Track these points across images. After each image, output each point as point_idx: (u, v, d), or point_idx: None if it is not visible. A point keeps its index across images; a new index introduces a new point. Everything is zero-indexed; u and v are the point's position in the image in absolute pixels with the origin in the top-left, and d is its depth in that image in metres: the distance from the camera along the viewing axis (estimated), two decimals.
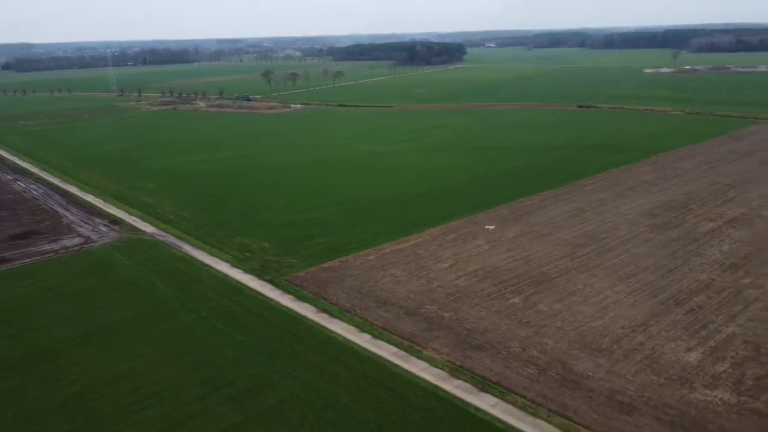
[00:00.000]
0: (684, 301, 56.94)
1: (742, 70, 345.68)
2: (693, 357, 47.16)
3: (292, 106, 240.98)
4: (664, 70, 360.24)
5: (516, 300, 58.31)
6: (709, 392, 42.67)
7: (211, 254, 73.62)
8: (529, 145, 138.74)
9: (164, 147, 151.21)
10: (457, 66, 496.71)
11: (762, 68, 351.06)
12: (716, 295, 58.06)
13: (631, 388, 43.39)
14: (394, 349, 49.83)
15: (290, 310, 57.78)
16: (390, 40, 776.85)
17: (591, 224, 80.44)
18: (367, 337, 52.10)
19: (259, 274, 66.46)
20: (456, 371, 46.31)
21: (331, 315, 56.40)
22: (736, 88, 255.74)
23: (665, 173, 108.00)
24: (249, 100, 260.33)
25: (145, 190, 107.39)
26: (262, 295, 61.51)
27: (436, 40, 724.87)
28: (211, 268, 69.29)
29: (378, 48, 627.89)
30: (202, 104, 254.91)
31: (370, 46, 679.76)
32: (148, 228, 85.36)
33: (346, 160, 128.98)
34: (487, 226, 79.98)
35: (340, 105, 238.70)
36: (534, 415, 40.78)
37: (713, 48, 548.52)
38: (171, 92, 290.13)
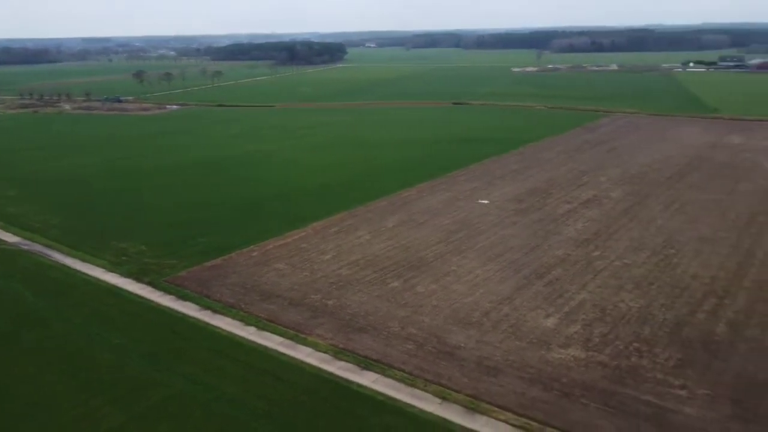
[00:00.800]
0: (544, 274, 63.10)
1: (596, 68, 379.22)
2: (550, 322, 52.73)
3: (168, 106, 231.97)
4: (530, 69, 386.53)
5: (396, 284, 61.60)
6: (563, 351, 48.09)
7: (85, 261, 70.39)
8: (408, 140, 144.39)
9: (26, 152, 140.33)
10: (338, 65, 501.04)
11: (613, 67, 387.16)
12: (571, 267, 64.85)
13: (498, 354, 47.86)
14: (280, 338, 51.09)
15: (171, 309, 57.08)
16: (270, 40, 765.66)
17: (464, 212, 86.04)
18: (253, 329, 52.89)
19: (138, 277, 64.72)
20: (339, 353, 48.47)
21: (215, 311, 56.47)
22: (591, 84, 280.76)
23: (530, 163, 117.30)
24: (120, 101, 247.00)
25: (6, 198, 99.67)
26: (141, 297, 60.11)
27: (317, 40, 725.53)
28: (85, 274, 66.38)
29: (258, 48, 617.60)
30: (68, 106, 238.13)
31: (250, 45, 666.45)
32: (10, 238, 79.68)
33: (230, 159, 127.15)
34: (480, 201, 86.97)
35: (219, 105, 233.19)
36: (412, 386, 43.89)
37: (572, 48, 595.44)
38: (31, 94, 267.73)
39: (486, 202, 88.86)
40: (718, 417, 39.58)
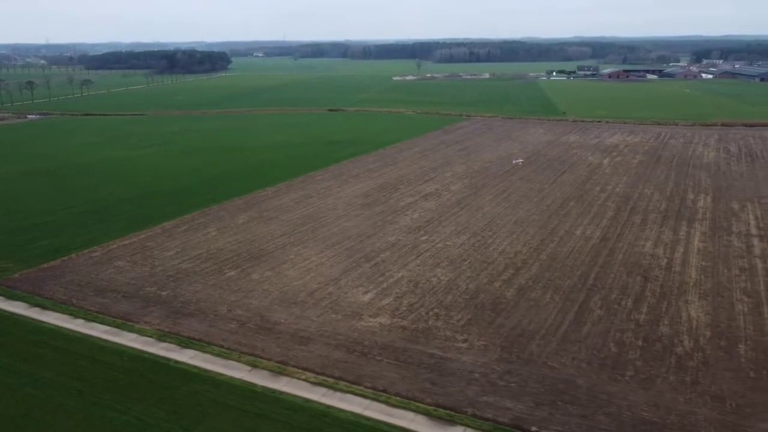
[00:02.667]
0: (372, 257, 69.06)
1: (470, 77, 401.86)
2: (367, 297, 58.44)
3: (29, 116, 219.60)
4: (409, 77, 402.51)
5: (232, 273, 64.98)
6: (372, 319, 53.81)
7: None
8: (275, 144, 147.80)
9: None
10: (221, 74, 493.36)
11: (485, 75, 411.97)
12: (398, 251, 71.35)
13: (313, 327, 52.70)
14: (106, 327, 52.85)
15: None
16: (152, 49, 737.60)
17: (314, 207, 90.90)
18: (81, 321, 54.17)
19: None
20: (164, 336, 51.18)
21: (45, 308, 56.97)
22: (460, 91, 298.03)
23: (386, 162, 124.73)
24: None
25: None
26: None
27: (203, 50, 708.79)
28: None
29: (135, 56, 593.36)
30: None
31: (127, 54, 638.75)
32: None
33: (87, 165, 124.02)
34: (515, 161, 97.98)
35: (86, 114, 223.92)
36: (227, 358, 47.59)
37: (451, 58, 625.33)
38: None
39: (521, 161, 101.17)
40: (487, 361, 46.65)
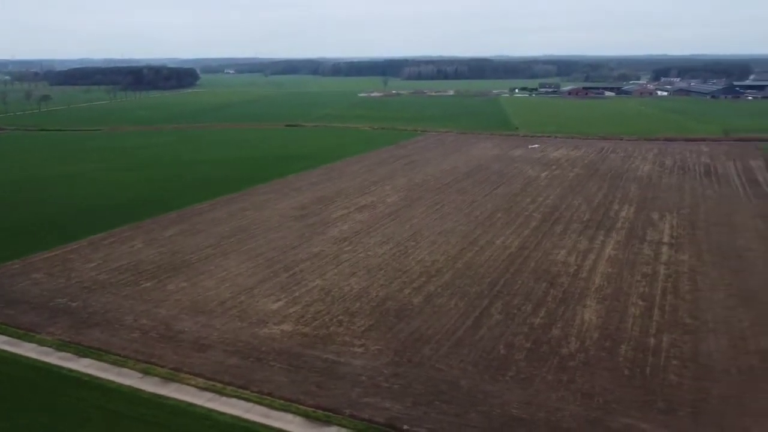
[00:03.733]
0: (291, 268, 70.05)
1: (434, 93, 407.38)
2: (276, 306, 59.36)
3: None
4: (375, 93, 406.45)
5: (148, 284, 65.34)
6: (276, 327, 54.73)
7: None
8: (225, 159, 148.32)
9: None
10: (188, 91, 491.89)
11: (450, 92, 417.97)
12: (319, 261, 72.47)
13: (215, 335, 53.42)
14: (6, 338, 52.85)
15: None
16: (121, 65, 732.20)
17: (247, 220, 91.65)
18: None
19: None
20: (63, 346, 51.33)
21: None
22: (422, 107, 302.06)
23: (331, 176, 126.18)
24: None
25: None
26: None
27: (174, 66, 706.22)
28: None
29: (102, 72, 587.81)
30: None
31: (93, 69, 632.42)
32: None
33: (25, 180, 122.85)
34: (531, 146, 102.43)
35: (40, 129, 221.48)
36: (121, 366, 48.01)
37: (420, 76, 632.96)
38: None
39: (537, 146, 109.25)
40: (378, 364, 47.89)
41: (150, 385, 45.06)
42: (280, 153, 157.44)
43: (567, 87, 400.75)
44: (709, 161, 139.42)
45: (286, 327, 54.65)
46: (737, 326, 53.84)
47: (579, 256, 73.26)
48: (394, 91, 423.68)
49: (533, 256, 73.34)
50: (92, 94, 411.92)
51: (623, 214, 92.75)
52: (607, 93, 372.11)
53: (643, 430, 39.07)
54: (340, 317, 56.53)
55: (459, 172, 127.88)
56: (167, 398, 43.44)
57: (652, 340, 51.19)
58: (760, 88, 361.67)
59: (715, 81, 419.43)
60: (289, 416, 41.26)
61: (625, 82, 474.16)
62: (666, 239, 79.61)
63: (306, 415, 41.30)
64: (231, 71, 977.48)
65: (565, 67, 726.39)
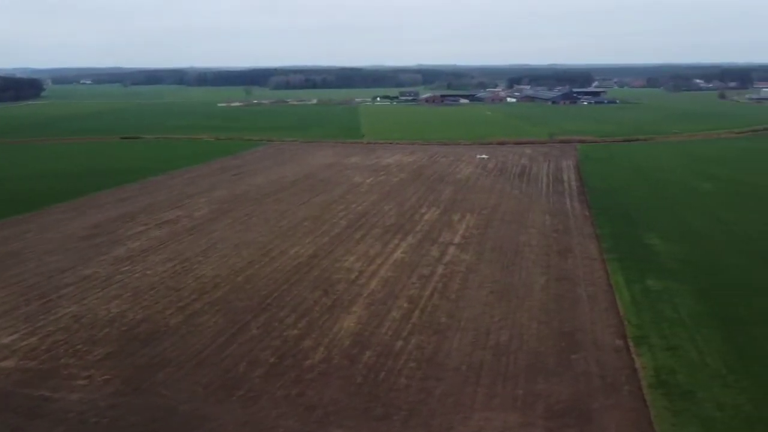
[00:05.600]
0: (49, 294, 63.03)
1: (297, 103, 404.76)
2: (9, 339, 52.64)
3: None
4: (236, 103, 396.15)
5: None
6: None
7: None
8: (34, 175, 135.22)
9: None
10: (28, 103, 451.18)
11: (313, 101, 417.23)
12: (86, 284, 66.08)
13: None
14: None
15: None
16: None
17: (23, 242, 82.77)
18: None
19: None
20: None
21: None
22: (277, 116, 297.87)
23: (147, 190, 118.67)
24: None
25: None
26: None
27: (24, 76, 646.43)
28: None
29: None
30: None
31: None
32: None
33: None
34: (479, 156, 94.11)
35: None
36: None
37: (288, 85, 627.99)
38: None
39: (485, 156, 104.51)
40: (96, 397, 43.51)
41: None
42: (101, 168, 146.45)
43: (425, 95, 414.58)
44: (528, 163, 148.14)
45: (8, 363, 48.65)
46: (486, 322, 55.49)
47: (366, 261, 73.14)
48: (255, 101, 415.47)
49: (321, 264, 72.21)
50: None
51: (427, 216, 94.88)
52: (462, 100, 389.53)
53: None
54: (79, 346, 51.40)
55: (285, 182, 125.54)
56: None
57: (399, 344, 51.21)
58: (595, 94, 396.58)
59: (559, 88, 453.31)
60: None
61: (482, 90, 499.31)
62: (457, 240, 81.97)
63: None
64: (88, 81, 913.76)
65: (430, 75, 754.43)
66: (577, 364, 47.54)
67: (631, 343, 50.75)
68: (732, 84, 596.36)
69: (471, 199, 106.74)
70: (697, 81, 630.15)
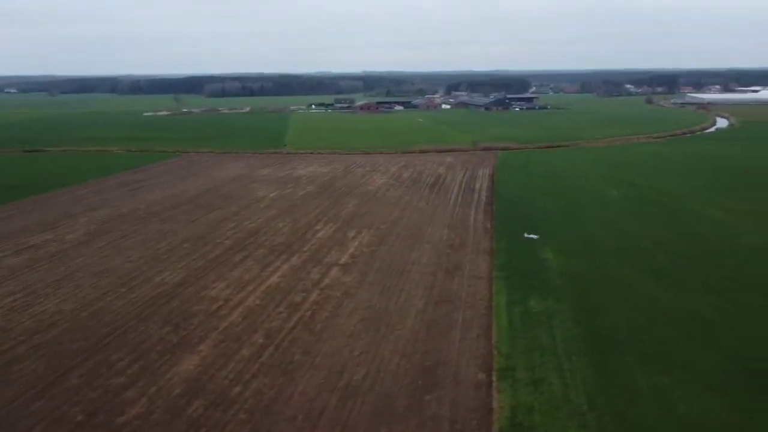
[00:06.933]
0: None
1: (228, 111, 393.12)
2: None
3: None
4: (163, 112, 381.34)
5: None
6: None
7: None
8: None
9: None
10: None
11: (246, 109, 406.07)
12: None
13: None
14: None
15: None
16: None
17: None
18: None
19: None
20: None
21: None
22: (203, 126, 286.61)
23: (25, 209, 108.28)
24: None
25: None
26: None
27: None
28: None
29: None
30: None
31: None
32: None
33: None
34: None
35: None
36: None
37: (224, 93, 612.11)
38: None
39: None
40: None
41: None
42: None
43: (359, 102, 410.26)
44: (444, 171, 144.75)
45: None
46: (344, 358, 50.08)
47: (237, 288, 66.76)
48: (185, 110, 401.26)
49: (185, 293, 65.38)
50: None
51: (321, 234, 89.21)
52: (397, 107, 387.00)
53: None
54: None
55: (182, 198, 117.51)
56: None
57: (237, 390, 45.15)
58: (528, 100, 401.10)
59: (495, 94, 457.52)
60: None
61: (419, 97, 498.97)
62: (344, 260, 76.56)
63: None
64: (13, 90, 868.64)
65: (371, 82, 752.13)
66: (428, 406, 42.70)
67: (494, 378, 46.37)
68: (660, 89, 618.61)
69: (373, 213, 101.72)
70: (628, 86, 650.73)
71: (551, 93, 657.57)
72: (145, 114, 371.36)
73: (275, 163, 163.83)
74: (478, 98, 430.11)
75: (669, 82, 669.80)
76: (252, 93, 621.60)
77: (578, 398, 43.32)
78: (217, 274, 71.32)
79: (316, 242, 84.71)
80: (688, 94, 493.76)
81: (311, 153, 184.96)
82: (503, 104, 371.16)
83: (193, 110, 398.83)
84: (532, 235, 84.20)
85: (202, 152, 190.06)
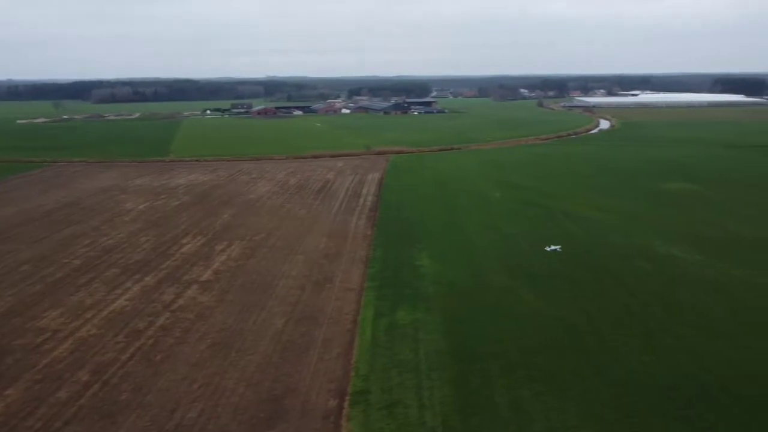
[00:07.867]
0: None
1: (115, 117, 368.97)
2: None
3: None
4: (40, 119, 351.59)
5: None
6: None
7: None
8: None
9: None
10: None
11: (135, 115, 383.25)
12: None
13: None
14: None
15: None
16: None
17: None
18: None
19: None
20: None
21: None
22: (83, 134, 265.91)
23: None
24: None
25: None
26: None
27: None
28: None
29: None
30: None
31: None
32: None
33: None
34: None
35: None
36: None
37: (114, 98, 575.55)
38: None
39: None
40: None
41: None
42: None
43: (257, 107, 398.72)
44: (333, 177, 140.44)
45: None
46: (181, 392, 44.09)
47: (73, 315, 58.65)
48: (65, 117, 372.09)
49: (9, 324, 56.52)
50: None
51: (186, 248, 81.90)
52: (296, 112, 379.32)
53: None
54: None
55: (36, 213, 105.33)
56: None
57: None
58: (426, 104, 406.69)
59: (395, 99, 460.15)
60: None
61: (320, 102, 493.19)
62: (205, 276, 70.02)
63: None
64: None
65: (272, 87, 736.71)
66: None
67: (346, 404, 42.14)
68: (551, 93, 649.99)
69: (249, 224, 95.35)
70: (522, 90, 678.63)
71: (451, 97, 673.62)
72: (19, 122, 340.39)
73: (153, 172, 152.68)
74: (378, 102, 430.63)
75: (559, 86, 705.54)
76: (145, 98, 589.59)
77: (433, 420, 40.01)
78: (53, 301, 62.65)
79: (179, 258, 77.40)
80: (576, 98, 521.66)
81: (197, 161, 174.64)
82: (402, 108, 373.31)
83: (75, 117, 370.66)
84: (555, 247, 79.11)
85: (74, 162, 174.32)
